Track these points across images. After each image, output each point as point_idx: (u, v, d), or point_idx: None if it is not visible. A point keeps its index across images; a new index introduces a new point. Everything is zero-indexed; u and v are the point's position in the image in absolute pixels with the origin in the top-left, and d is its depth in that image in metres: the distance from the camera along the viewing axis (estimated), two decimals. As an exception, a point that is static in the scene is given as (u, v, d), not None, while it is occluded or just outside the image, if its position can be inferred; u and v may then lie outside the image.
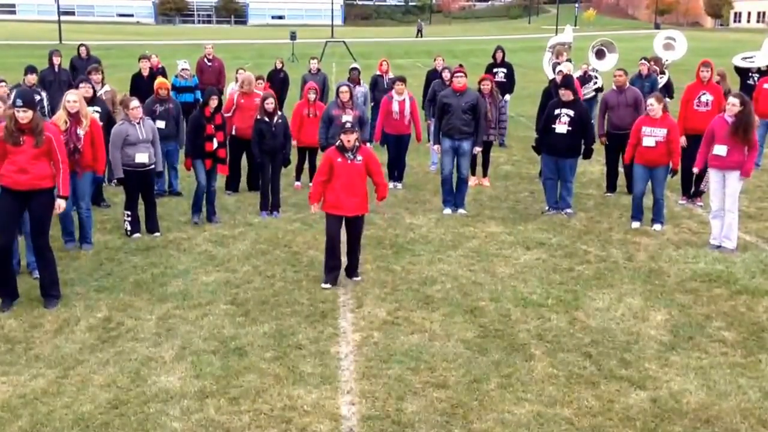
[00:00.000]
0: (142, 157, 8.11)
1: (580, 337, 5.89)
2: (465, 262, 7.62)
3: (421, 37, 64.74)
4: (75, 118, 7.59)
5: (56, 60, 12.21)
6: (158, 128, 8.78)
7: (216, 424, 4.67)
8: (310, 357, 5.55)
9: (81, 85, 8.87)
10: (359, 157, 6.68)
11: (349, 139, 6.58)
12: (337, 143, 6.70)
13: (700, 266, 7.43)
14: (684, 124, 9.28)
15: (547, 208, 9.20)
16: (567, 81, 8.99)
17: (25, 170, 6.14)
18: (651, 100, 8.31)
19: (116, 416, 4.73)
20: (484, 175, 10.85)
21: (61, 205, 6.48)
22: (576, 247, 8.06)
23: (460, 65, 9.23)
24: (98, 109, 8.95)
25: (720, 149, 7.63)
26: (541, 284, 7.00)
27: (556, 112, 8.81)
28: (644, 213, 8.71)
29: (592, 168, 11.81)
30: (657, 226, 8.54)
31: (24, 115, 6.03)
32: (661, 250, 7.95)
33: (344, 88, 9.03)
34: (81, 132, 7.61)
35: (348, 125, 6.62)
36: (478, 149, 9.45)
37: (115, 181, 10.41)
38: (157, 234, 8.37)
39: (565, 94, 8.79)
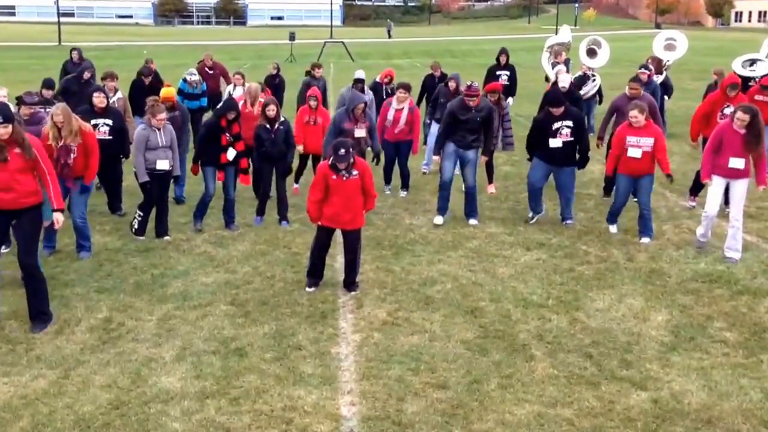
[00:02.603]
0: (162, 164, 8.10)
1: (580, 337, 5.89)
2: (465, 262, 7.61)
3: (390, 37, 64.20)
4: (62, 133, 7.36)
5: (87, 75, 11.98)
6: None
7: (216, 424, 4.67)
8: (310, 358, 5.55)
9: (95, 95, 8.70)
10: (354, 172, 6.50)
11: (342, 166, 6.43)
12: (330, 162, 6.47)
13: (701, 266, 7.43)
14: (705, 132, 9.23)
15: (530, 215, 8.95)
16: (556, 98, 8.49)
17: (9, 188, 5.82)
18: (634, 112, 7.88)
19: (117, 417, 4.73)
20: (490, 181, 10.47)
21: (59, 219, 6.12)
22: (576, 247, 8.06)
23: (470, 86, 8.53)
24: (109, 122, 8.72)
25: (737, 162, 7.39)
26: (541, 285, 7.00)
27: (555, 126, 8.37)
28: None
29: (592, 167, 11.79)
30: (645, 240, 8.14)
31: (4, 131, 5.70)
32: (662, 250, 7.95)
33: (360, 105, 8.74)
34: (73, 145, 7.40)
35: (342, 152, 6.32)
36: (483, 159, 9.11)
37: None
38: (167, 237, 8.32)
39: (557, 112, 8.37)
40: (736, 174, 7.46)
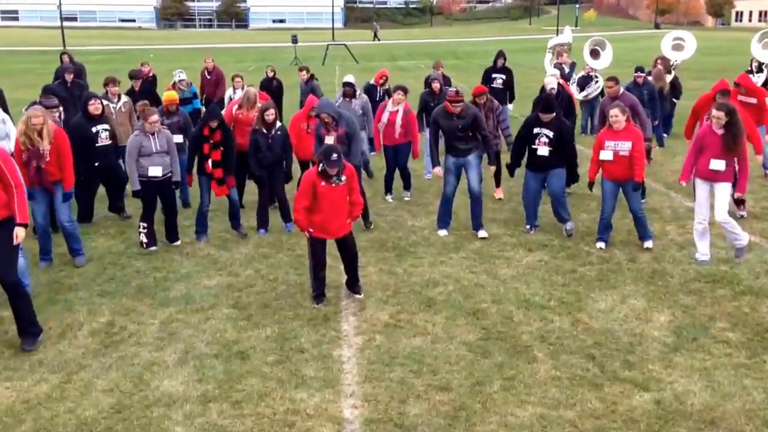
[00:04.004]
0: (154, 171, 7.86)
1: (583, 338, 5.88)
2: (467, 264, 7.61)
3: (378, 40, 63.19)
4: (39, 136, 7.13)
5: (68, 77, 12.06)
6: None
7: (219, 428, 4.67)
8: (312, 360, 5.55)
9: (90, 102, 8.57)
10: (342, 178, 6.37)
11: (333, 171, 6.27)
12: (320, 168, 6.30)
13: (704, 267, 7.40)
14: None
15: (528, 227, 8.64)
16: (548, 104, 8.20)
17: None
18: (614, 111, 7.58)
19: (119, 421, 4.74)
20: (497, 185, 10.33)
21: (19, 234, 5.69)
22: (578, 248, 8.05)
23: (457, 92, 8.23)
24: (107, 127, 8.69)
25: (717, 164, 7.17)
26: (543, 286, 6.99)
27: (535, 131, 8.16)
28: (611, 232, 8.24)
29: (594, 169, 11.79)
30: (648, 243, 7.94)
31: None
32: (665, 250, 7.93)
33: (324, 115, 8.30)
34: (44, 148, 7.16)
35: (334, 157, 6.20)
36: (493, 167, 8.90)
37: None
38: (177, 243, 8.22)
39: (545, 118, 8.11)
40: (717, 176, 7.24)
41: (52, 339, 5.93)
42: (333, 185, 6.35)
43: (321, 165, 6.29)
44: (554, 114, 8.17)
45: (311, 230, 6.49)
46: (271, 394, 5.06)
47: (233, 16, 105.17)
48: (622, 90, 9.50)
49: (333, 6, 75.53)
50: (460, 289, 6.93)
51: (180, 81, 12.16)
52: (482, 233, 8.51)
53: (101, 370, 5.41)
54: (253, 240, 8.45)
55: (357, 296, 6.72)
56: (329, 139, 8.29)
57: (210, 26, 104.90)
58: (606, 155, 7.67)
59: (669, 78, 14.31)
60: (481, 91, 9.38)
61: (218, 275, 7.36)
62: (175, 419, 4.75)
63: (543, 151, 8.18)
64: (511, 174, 8.76)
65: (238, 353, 5.65)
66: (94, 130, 8.54)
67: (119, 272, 7.46)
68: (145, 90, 12.19)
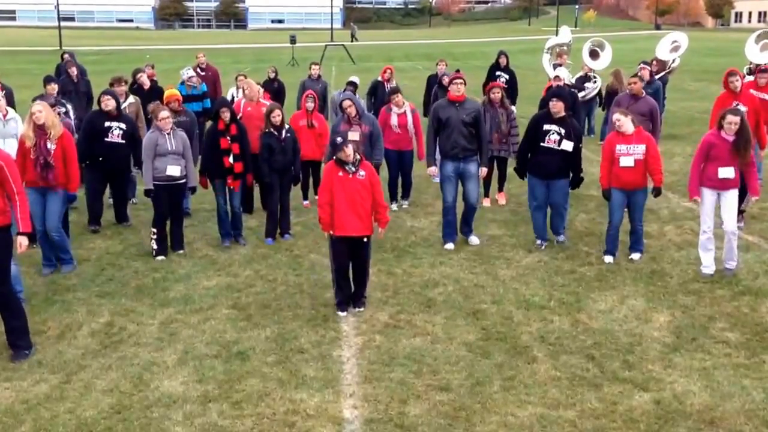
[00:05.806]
0: (173, 170, 7.62)
1: (582, 339, 5.88)
2: (466, 264, 7.61)
3: (356, 41, 62.14)
4: (42, 130, 6.96)
5: (72, 71, 11.94)
6: None
7: (219, 428, 4.66)
8: (312, 361, 5.55)
9: (103, 97, 8.44)
10: (362, 172, 6.15)
11: (346, 153, 6.08)
12: (335, 157, 6.19)
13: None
14: None
15: (539, 242, 8.08)
16: (558, 92, 7.82)
17: None
18: (617, 115, 7.22)
19: (119, 421, 4.73)
20: (500, 189, 10.00)
21: (22, 243, 5.53)
22: (578, 248, 8.05)
23: (458, 70, 7.94)
24: (123, 126, 8.46)
25: (727, 172, 6.87)
26: (543, 286, 7.00)
27: (545, 128, 7.66)
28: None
29: (593, 168, 11.79)
30: (635, 255, 7.59)
31: None
32: (663, 251, 7.94)
33: (347, 102, 8.09)
34: (51, 145, 6.99)
35: (338, 140, 6.08)
36: (483, 170, 8.12)
37: (134, 200, 9.84)
38: (182, 251, 7.94)
39: (555, 107, 7.61)
40: (727, 184, 6.97)
41: (51, 339, 5.92)
42: (350, 175, 6.16)
43: (333, 152, 6.24)
44: (565, 103, 7.75)
45: (332, 232, 6.26)
46: (271, 394, 5.06)
47: (232, 17, 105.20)
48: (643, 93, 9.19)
49: (332, 6, 75.57)
50: (460, 289, 6.94)
51: (189, 78, 11.81)
52: (473, 239, 8.22)
53: (101, 370, 5.41)
54: (251, 240, 8.44)
55: (357, 309, 6.42)
56: (353, 135, 8.10)
57: (208, 26, 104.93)
58: (627, 161, 7.21)
59: (660, 75, 14.38)
60: (496, 86, 9.23)
61: (217, 276, 7.36)
62: (175, 419, 4.75)
63: (554, 150, 7.65)
64: (522, 177, 8.18)
65: (237, 353, 5.65)
66: (107, 125, 8.42)
67: (118, 273, 7.45)
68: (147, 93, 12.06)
